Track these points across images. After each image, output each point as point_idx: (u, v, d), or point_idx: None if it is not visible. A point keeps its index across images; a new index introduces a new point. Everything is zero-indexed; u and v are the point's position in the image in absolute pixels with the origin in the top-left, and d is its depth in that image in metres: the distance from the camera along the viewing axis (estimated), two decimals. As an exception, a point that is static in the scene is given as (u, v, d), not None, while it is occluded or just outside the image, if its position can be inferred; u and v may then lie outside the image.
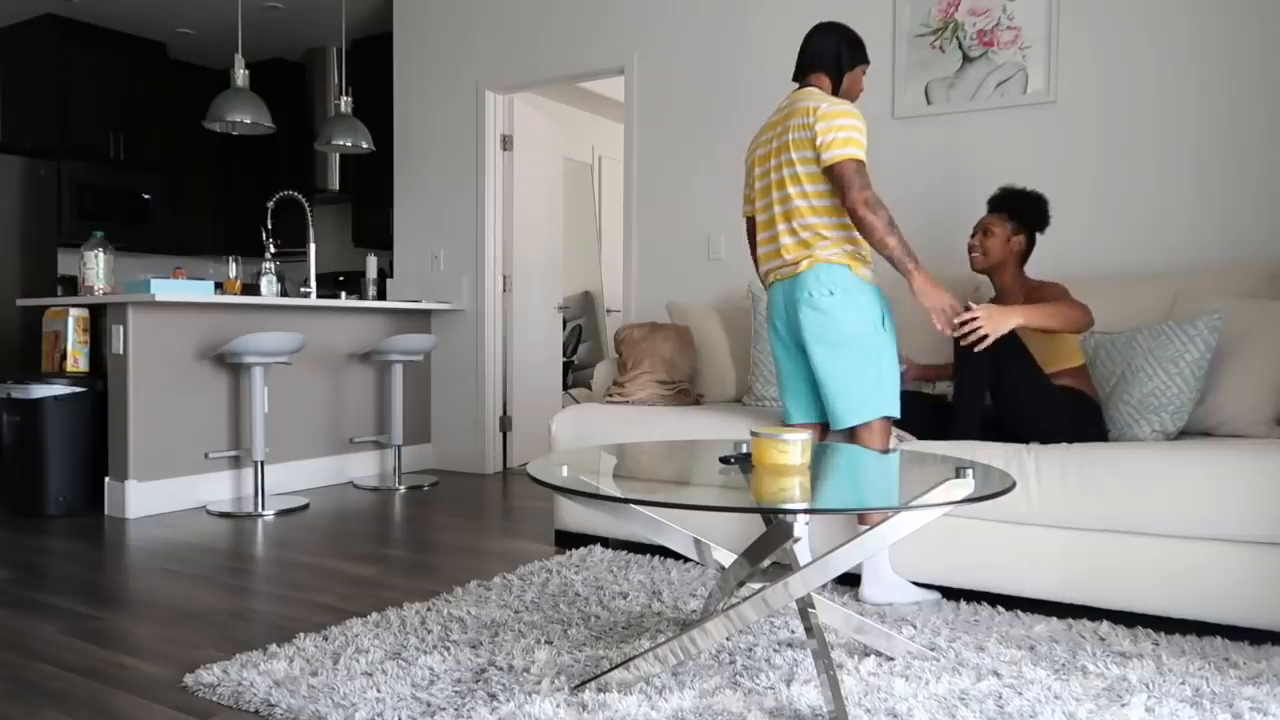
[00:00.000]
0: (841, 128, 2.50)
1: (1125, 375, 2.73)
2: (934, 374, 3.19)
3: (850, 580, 2.76)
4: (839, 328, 2.56)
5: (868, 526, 2.37)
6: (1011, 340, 2.64)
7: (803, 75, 2.72)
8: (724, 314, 3.78)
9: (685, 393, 3.41)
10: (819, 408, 2.73)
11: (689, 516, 2.99)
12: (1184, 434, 2.74)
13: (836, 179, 2.51)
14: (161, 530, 3.64)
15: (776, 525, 1.89)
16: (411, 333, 4.97)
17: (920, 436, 2.83)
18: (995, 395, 2.73)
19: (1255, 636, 2.33)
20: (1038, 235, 2.93)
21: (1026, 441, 2.67)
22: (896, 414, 2.62)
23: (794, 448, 1.94)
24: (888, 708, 1.86)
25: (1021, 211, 2.89)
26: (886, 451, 2.41)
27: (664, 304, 4.40)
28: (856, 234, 2.60)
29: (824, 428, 2.76)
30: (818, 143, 2.52)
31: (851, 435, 2.65)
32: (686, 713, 1.83)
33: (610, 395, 3.45)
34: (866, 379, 2.57)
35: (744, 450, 2.11)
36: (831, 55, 2.66)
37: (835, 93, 2.69)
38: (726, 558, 2.22)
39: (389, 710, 1.85)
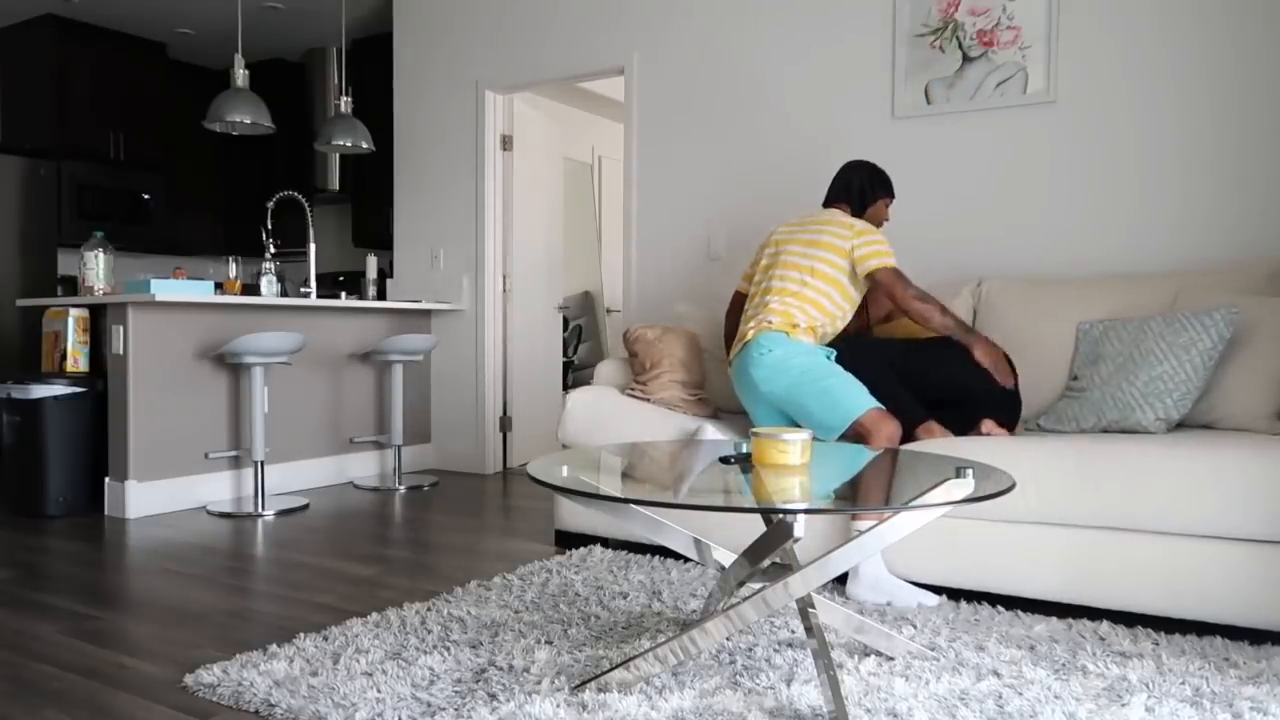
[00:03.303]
0: (875, 242, 2.95)
1: (1133, 357, 2.73)
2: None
3: (844, 578, 2.76)
4: (788, 369, 2.84)
5: (870, 525, 2.37)
6: (886, 343, 2.98)
7: (832, 202, 3.18)
8: (720, 321, 3.73)
9: (705, 402, 3.38)
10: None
11: (689, 516, 2.99)
12: (1184, 426, 2.75)
13: (882, 284, 2.91)
14: (161, 530, 3.64)
15: (776, 525, 1.89)
16: (411, 333, 4.97)
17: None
18: (925, 382, 2.89)
19: (1255, 636, 2.33)
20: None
21: (970, 403, 2.83)
22: (875, 404, 2.74)
23: (794, 448, 1.94)
24: (888, 708, 1.86)
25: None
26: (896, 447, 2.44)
27: (663, 303, 4.40)
28: (814, 316, 2.93)
29: None
30: (857, 254, 2.93)
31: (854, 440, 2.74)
32: (686, 713, 1.83)
33: (632, 390, 3.41)
34: (829, 394, 2.78)
35: (744, 450, 2.11)
36: (856, 190, 3.14)
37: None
38: (726, 558, 2.22)
39: (389, 710, 1.85)
